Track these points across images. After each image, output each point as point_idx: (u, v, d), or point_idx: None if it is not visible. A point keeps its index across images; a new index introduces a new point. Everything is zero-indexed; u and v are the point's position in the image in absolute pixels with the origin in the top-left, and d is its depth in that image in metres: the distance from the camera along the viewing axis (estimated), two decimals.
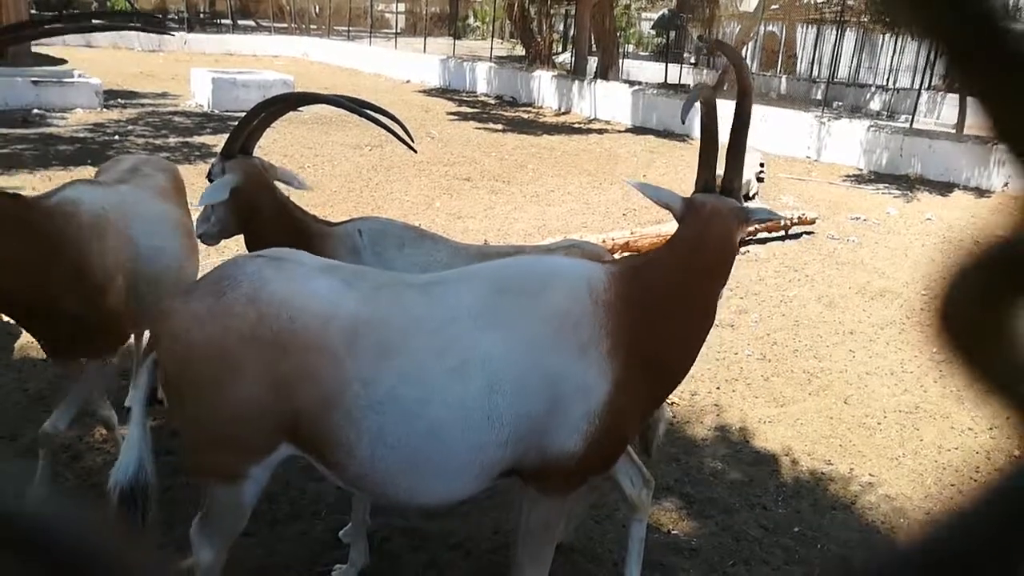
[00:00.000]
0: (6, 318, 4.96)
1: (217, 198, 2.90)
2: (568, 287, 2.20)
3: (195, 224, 3.15)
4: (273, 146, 10.86)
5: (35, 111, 11.84)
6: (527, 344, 2.13)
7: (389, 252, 2.92)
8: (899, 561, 0.34)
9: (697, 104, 2.43)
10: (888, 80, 21.66)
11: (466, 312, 2.13)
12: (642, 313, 2.23)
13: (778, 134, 13.74)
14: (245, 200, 2.99)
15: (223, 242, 3.27)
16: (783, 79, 23.49)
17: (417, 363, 2.06)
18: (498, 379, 2.10)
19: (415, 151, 3.60)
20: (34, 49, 17.18)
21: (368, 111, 3.26)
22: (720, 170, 2.40)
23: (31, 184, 8.05)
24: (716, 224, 2.31)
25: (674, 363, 2.36)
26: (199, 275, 3.94)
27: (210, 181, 3.05)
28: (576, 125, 15.90)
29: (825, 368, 5.34)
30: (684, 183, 10.79)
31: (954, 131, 13.85)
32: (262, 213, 2.99)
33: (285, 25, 30.48)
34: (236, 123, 3.09)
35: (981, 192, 11.69)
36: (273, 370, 2.04)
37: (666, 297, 2.27)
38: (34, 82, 12.58)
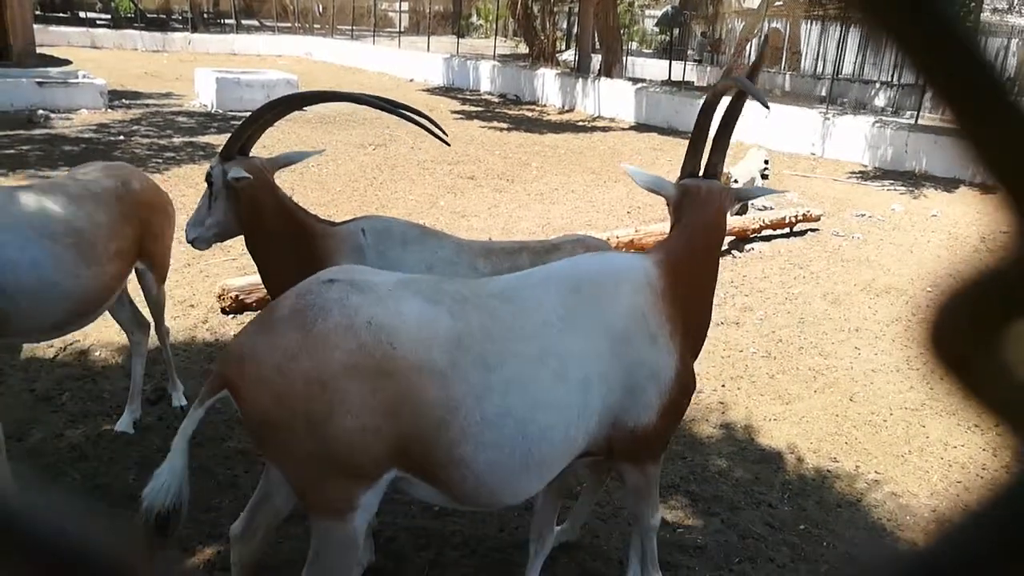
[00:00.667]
0: None
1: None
2: (635, 282, 2.40)
3: (186, 228, 3.08)
4: (277, 146, 10.87)
5: (40, 112, 11.87)
6: (608, 340, 2.29)
7: (393, 250, 2.91)
8: (907, 564, 0.34)
9: (699, 99, 2.61)
10: (893, 76, 21.57)
11: (553, 315, 2.24)
12: (681, 293, 2.46)
13: (783, 131, 13.70)
14: (247, 200, 2.96)
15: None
16: (787, 76, 23.42)
17: (521, 371, 2.14)
18: (588, 376, 2.25)
19: (448, 143, 3.39)
20: (39, 50, 17.24)
21: (388, 106, 3.13)
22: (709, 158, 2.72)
23: None
24: (713, 204, 2.59)
25: (702, 328, 2.66)
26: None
27: (209, 184, 3.02)
28: (580, 123, 15.88)
29: (831, 365, 5.32)
30: None
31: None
32: (264, 213, 2.98)
33: (289, 25, 30.49)
34: (239, 123, 3.07)
35: (987, 188, 11.61)
36: (378, 397, 2.00)
37: (692, 275, 2.54)
38: (39, 83, 12.62)
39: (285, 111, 3.18)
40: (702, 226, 2.57)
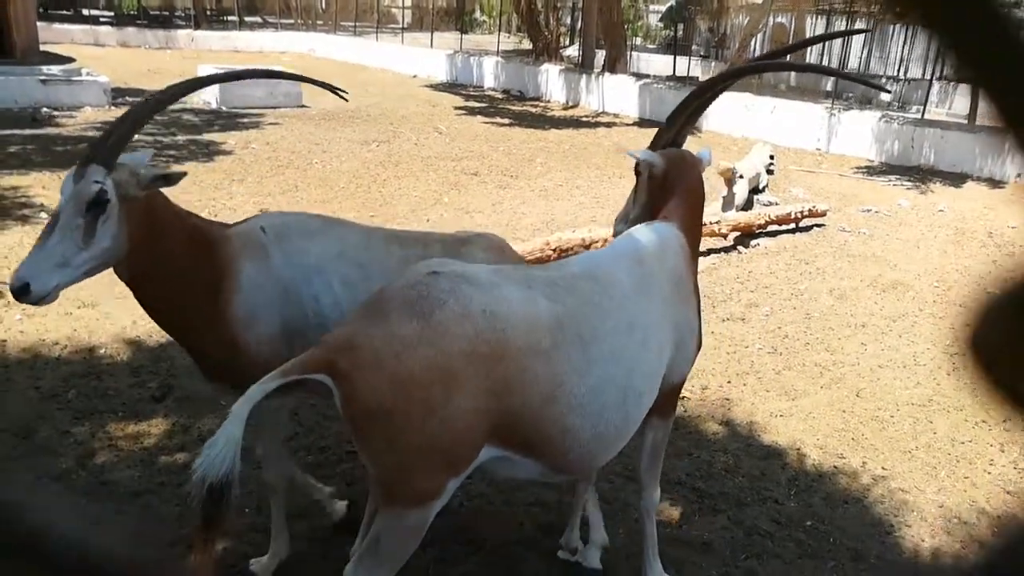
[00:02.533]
0: (18, 316, 4.98)
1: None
2: (675, 248, 2.66)
3: (32, 278, 2.23)
4: (281, 143, 10.87)
5: (44, 110, 11.88)
6: (665, 304, 2.54)
7: (297, 243, 2.72)
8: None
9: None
10: (899, 70, 21.48)
11: (630, 289, 2.44)
12: (691, 253, 2.76)
13: (788, 126, 13.64)
14: (145, 211, 2.43)
15: None
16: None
17: (615, 343, 2.32)
18: (659, 340, 2.49)
19: (346, 99, 3.20)
20: (42, 48, 17.25)
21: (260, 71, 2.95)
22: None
23: (40, 183, 8.09)
24: (697, 169, 2.87)
25: (697, 284, 2.88)
26: None
27: (97, 204, 2.29)
28: (584, 119, 15.84)
29: (837, 361, 5.30)
30: None
31: (966, 121, 13.72)
32: (160, 223, 2.49)
33: (291, 21, 30.48)
34: (116, 124, 2.42)
35: (994, 183, 11.57)
36: (491, 379, 2.09)
37: (694, 233, 2.83)
38: (42, 81, 12.63)
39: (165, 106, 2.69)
40: (693, 190, 2.83)
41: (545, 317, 2.20)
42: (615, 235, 2.94)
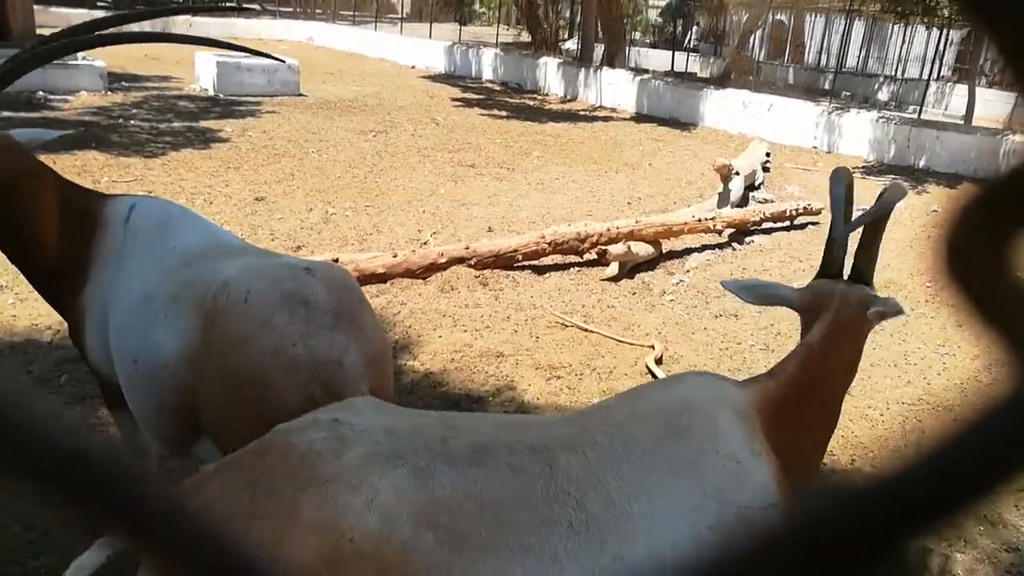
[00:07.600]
0: (11, 300, 4.97)
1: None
2: None
3: None
4: (278, 131, 10.83)
5: (39, 93, 11.81)
6: None
7: None
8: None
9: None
10: (896, 70, 21.54)
11: None
12: None
13: (785, 124, 13.65)
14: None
15: None
16: (791, 68, 23.35)
17: None
18: None
19: (282, 60, 3.34)
20: (39, 31, 17.13)
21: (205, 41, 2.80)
22: None
23: None
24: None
25: None
26: None
27: None
28: (581, 112, 15.83)
29: None
30: (688, 171, 10.75)
31: (962, 122, 13.77)
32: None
33: (290, 9, 30.35)
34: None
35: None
36: None
37: None
38: None
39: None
40: None
41: None
42: None
